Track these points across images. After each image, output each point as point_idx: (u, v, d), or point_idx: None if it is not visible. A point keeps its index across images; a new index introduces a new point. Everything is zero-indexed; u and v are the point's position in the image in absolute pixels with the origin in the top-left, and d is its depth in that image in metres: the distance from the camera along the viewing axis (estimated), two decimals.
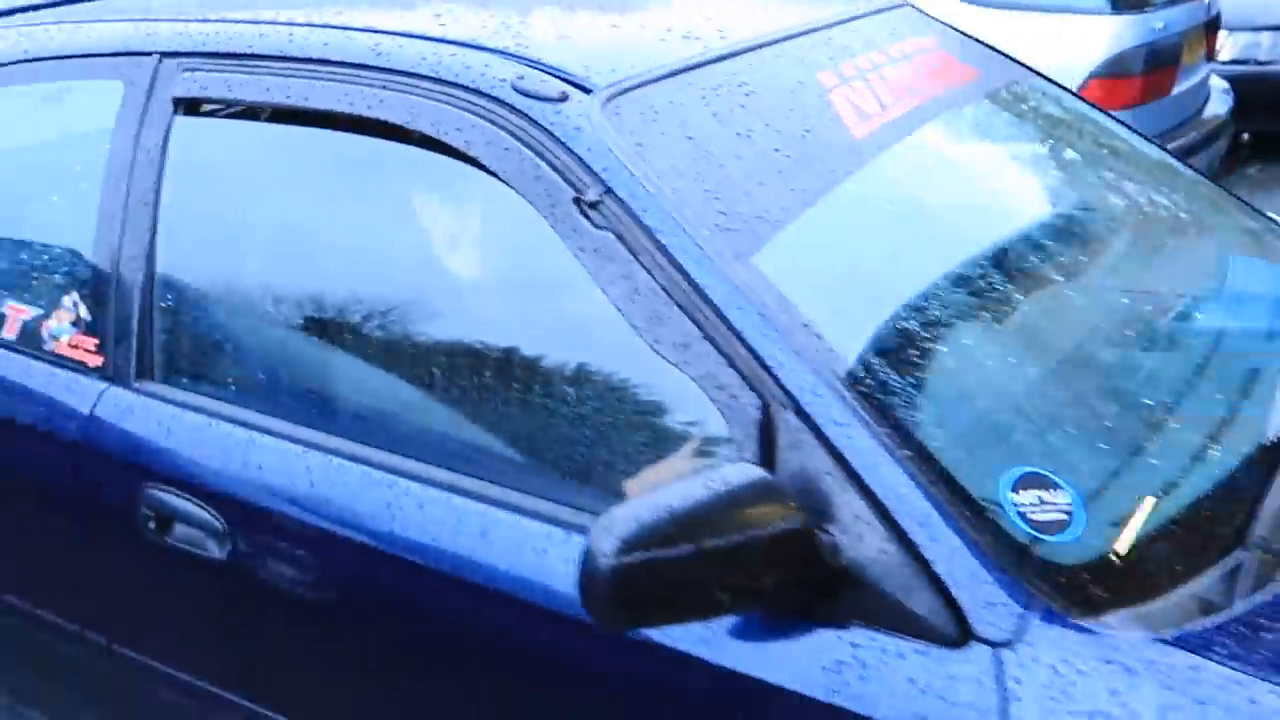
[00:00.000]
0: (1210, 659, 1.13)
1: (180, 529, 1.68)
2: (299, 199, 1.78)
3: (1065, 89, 2.27)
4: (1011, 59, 2.22)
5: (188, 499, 1.66)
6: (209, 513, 1.64)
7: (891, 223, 1.60)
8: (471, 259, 1.63)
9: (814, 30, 1.85)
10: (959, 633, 1.18)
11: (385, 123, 1.58)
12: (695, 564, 1.13)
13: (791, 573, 1.19)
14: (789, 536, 1.17)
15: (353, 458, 1.53)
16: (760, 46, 1.74)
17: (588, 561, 1.12)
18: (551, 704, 1.41)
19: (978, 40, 2.24)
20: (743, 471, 1.18)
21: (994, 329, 1.50)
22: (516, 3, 1.84)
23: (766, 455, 1.27)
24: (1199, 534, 1.28)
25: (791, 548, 1.18)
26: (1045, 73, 2.20)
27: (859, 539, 1.22)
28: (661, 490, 1.16)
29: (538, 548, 1.37)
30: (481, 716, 1.50)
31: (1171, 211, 1.96)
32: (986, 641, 1.17)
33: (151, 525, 1.70)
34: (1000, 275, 1.57)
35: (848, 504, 1.23)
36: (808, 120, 1.62)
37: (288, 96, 1.70)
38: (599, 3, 1.95)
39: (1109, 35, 4.36)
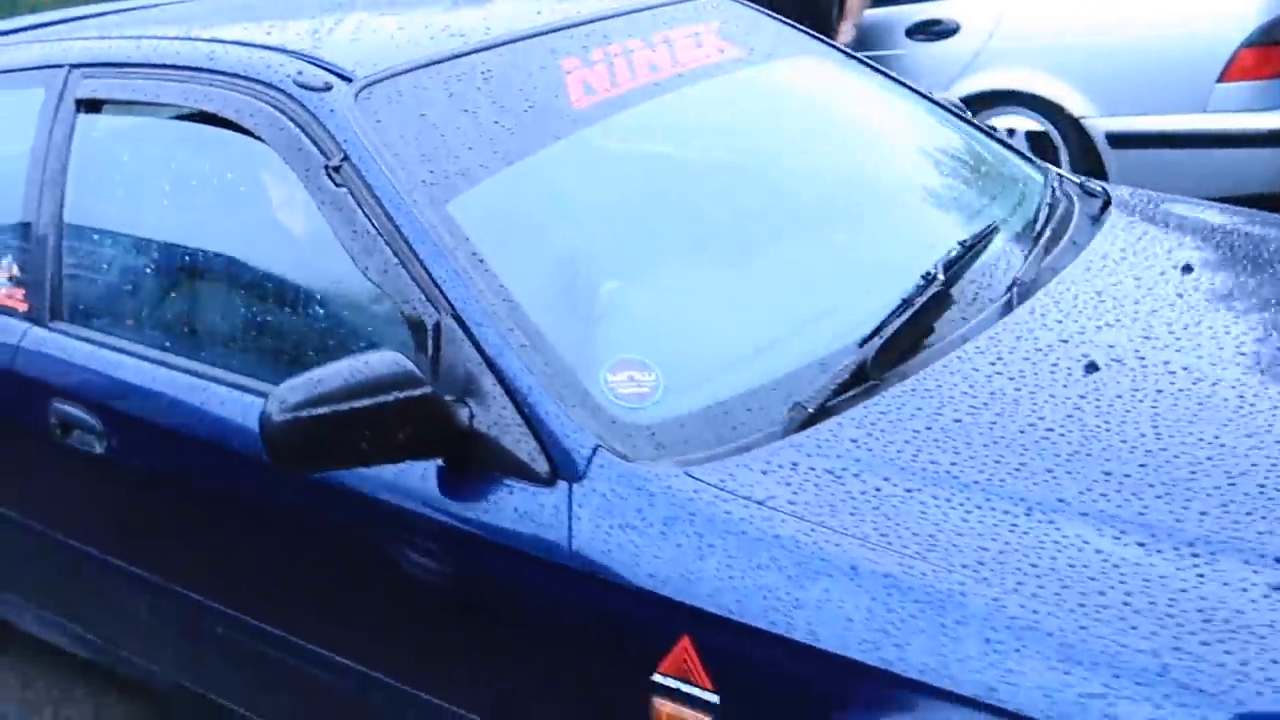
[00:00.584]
0: (711, 485, 1.52)
1: (76, 433, 2.18)
2: (164, 178, 2.26)
3: (870, 65, 2.64)
4: (820, 41, 2.61)
5: (80, 409, 2.17)
6: (93, 419, 2.14)
7: (579, 177, 2.01)
8: (263, 216, 2.09)
9: (585, 22, 2.25)
10: (550, 474, 1.60)
11: (213, 113, 2.05)
12: (341, 422, 1.57)
13: (421, 432, 1.61)
14: (416, 402, 1.59)
15: (180, 369, 2.02)
16: (520, 39, 2.15)
17: (261, 419, 1.57)
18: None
19: (797, 29, 2.62)
20: (384, 356, 1.61)
21: (565, 257, 1.89)
22: (337, 11, 2.30)
23: (435, 351, 1.70)
24: (749, 402, 1.67)
25: (420, 411, 1.60)
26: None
27: (488, 408, 1.64)
28: (324, 369, 1.60)
29: None
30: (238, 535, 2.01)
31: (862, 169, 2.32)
32: (565, 479, 1.58)
33: (58, 431, 2.21)
34: (652, 213, 1.98)
35: (484, 382, 1.65)
36: (534, 98, 2.03)
37: (156, 95, 2.19)
38: (398, 9, 2.39)
39: (1261, 2, 4.25)
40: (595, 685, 1.58)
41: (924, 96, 2.60)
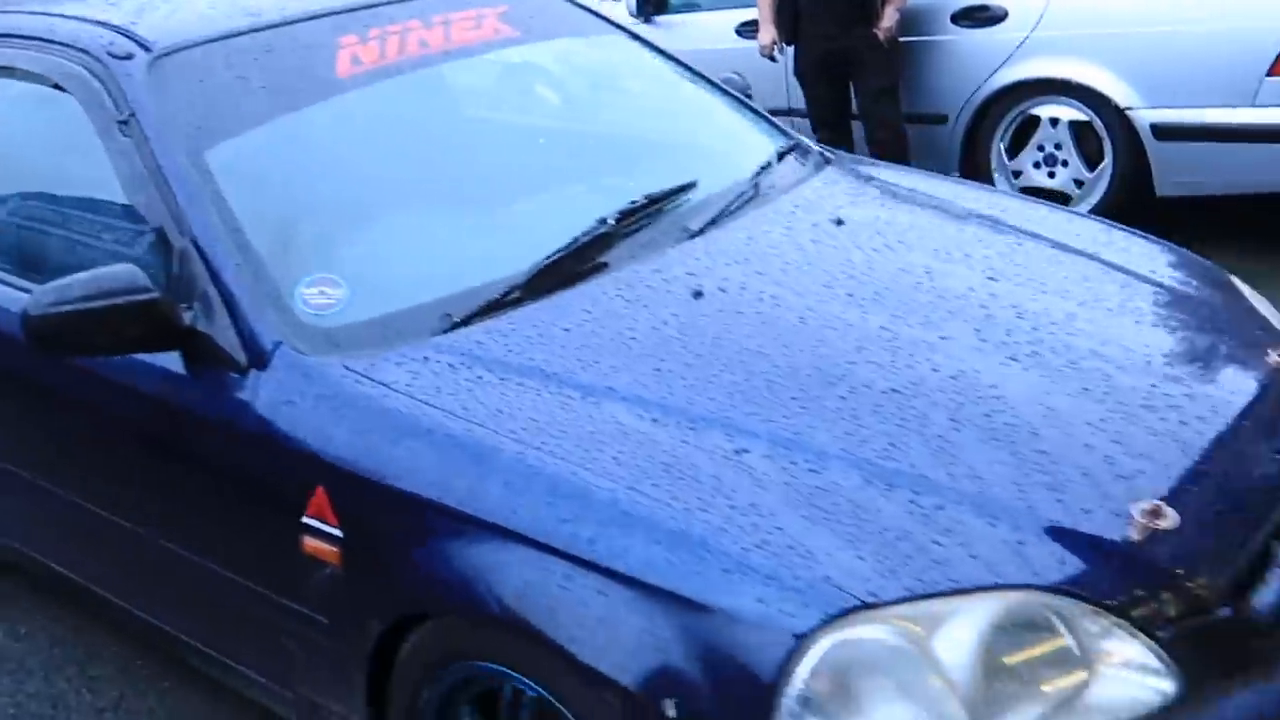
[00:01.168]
0: (354, 372, 1.96)
1: None
2: (14, 130, 2.73)
3: (657, 50, 3.06)
4: (618, 29, 3.04)
5: None
6: None
7: (325, 133, 2.44)
8: (63, 158, 2.55)
9: (373, 6, 2.69)
10: (246, 364, 2.05)
11: (47, 76, 2.51)
12: (83, 318, 2.02)
13: (151, 329, 2.06)
14: (145, 305, 2.04)
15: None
16: (306, 19, 2.59)
17: (21, 313, 2.04)
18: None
19: (604, 19, 3.06)
20: (122, 268, 2.07)
21: (296, 198, 2.33)
22: None
23: (177, 268, 2.15)
24: (414, 315, 2.10)
25: (149, 313, 2.05)
26: None
27: (210, 313, 2.09)
28: (75, 277, 2.06)
29: None
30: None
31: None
32: (255, 367, 2.04)
33: None
34: (369, 158, 2.42)
35: (209, 293, 2.10)
36: (304, 68, 2.48)
37: (13, 61, 2.65)
38: None
39: None
40: (272, 526, 2.03)
41: (689, 69, 3.01)
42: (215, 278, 2.11)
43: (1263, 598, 1.73)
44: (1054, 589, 1.59)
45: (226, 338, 2.07)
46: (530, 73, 2.83)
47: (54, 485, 2.52)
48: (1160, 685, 1.60)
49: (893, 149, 5.00)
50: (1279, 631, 1.72)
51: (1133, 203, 4.63)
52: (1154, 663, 1.60)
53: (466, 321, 2.08)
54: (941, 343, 2.04)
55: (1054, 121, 4.86)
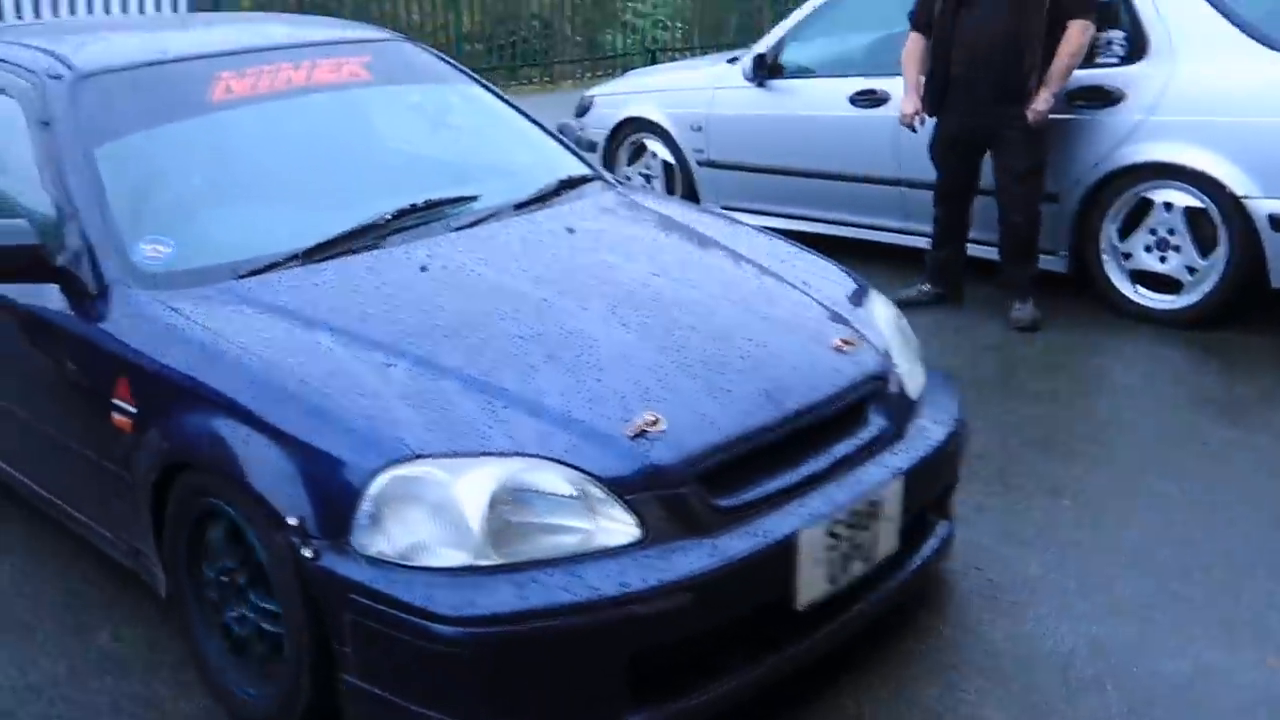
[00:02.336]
0: (161, 303, 2.80)
1: None
2: None
3: (492, 91, 3.91)
4: (470, 79, 3.90)
5: None
6: None
7: (191, 139, 3.30)
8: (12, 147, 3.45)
9: (257, 50, 3.57)
10: (95, 294, 2.90)
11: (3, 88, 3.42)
12: None
13: (31, 267, 2.91)
14: (27, 248, 2.90)
15: None
16: (199, 57, 3.48)
17: None
18: None
19: (462, 71, 3.92)
20: (15, 222, 2.94)
21: (156, 181, 3.19)
22: (107, 31, 3.67)
23: (62, 227, 3.01)
24: (219, 269, 2.93)
25: (29, 254, 2.90)
26: None
27: (78, 259, 2.94)
28: None
29: None
30: None
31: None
32: (100, 296, 2.88)
33: None
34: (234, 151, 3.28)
35: (78, 245, 2.96)
36: (187, 93, 3.35)
37: None
38: (144, 32, 3.76)
39: None
40: (94, 406, 2.86)
41: (526, 116, 3.85)
42: (82, 234, 2.97)
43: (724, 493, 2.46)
44: (559, 460, 2.35)
45: (84, 274, 2.93)
46: (362, 103, 3.67)
47: None
48: (632, 533, 2.34)
49: (1024, 234, 5.01)
50: (718, 511, 2.43)
51: (1247, 294, 4.80)
52: (630, 518, 2.35)
53: (250, 275, 2.91)
54: (579, 310, 2.81)
55: (1168, 206, 4.86)
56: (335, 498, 2.35)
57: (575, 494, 2.35)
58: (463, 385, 2.50)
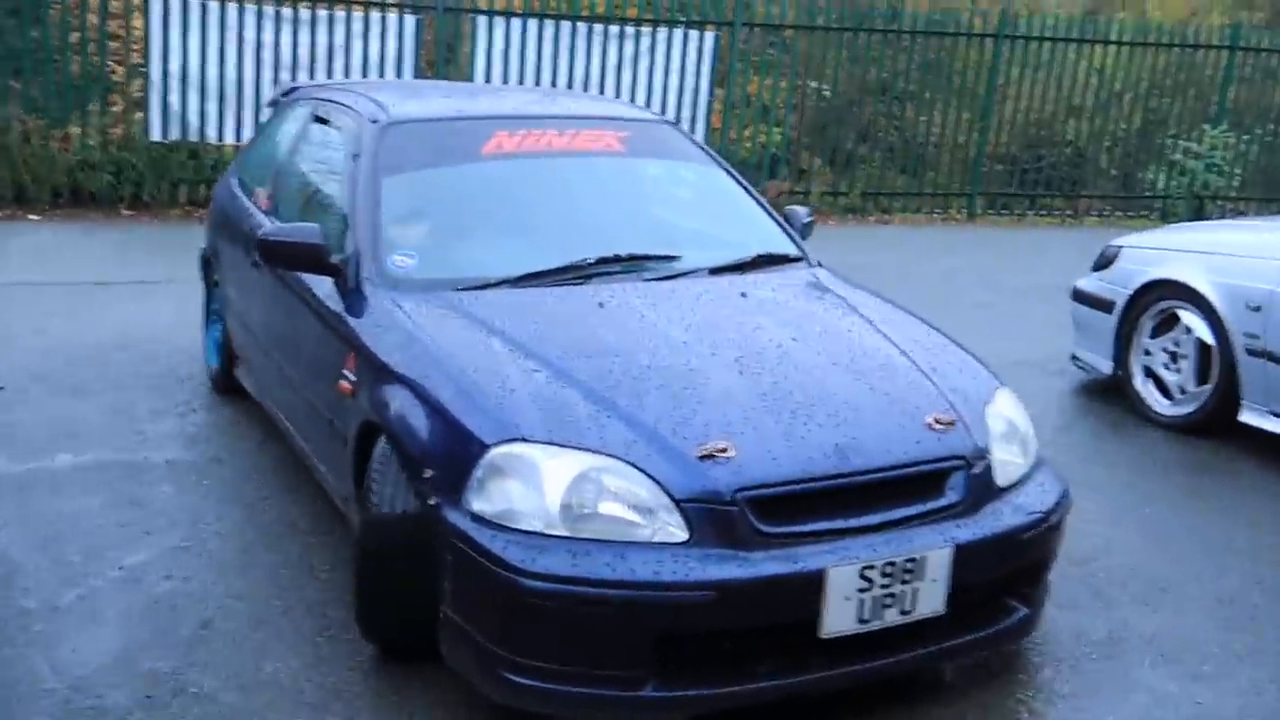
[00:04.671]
0: (397, 306, 3.55)
1: None
2: (313, 146, 4.61)
3: (711, 157, 4.50)
4: (694, 147, 4.52)
5: None
6: None
7: (464, 182, 4.06)
8: (333, 167, 4.35)
9: (533, 117, 4.33)
10: (355, 287, 3.70)
11: (337, 123, 4.36)
12: (282, 245, 3.76)
13: (315, 260, 3.75)
14: (316, 247, 3.74)
15: None
16: (484, 118, 4.28)
17: (258, 238, 3.81)
18: None
19: (693, 143, 4.55)
20: (308, 225, 3.79)
21: (422, 213, 3.93)
22: (428, 91, 4.55)
23: (344, 234, 3.85)
24: (446, 282, 3.64)
25: (317, 252, 3.75)
26: None
27: (348, 260, 3.76)
28: (297, 225, 3.80)
29: None
30: None
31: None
32: (359, 289, 3.67)
33: None
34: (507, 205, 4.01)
35: (353, 250, 3.78)
36: (465, 146, 4.13)
37: (328, 113, 4.55)
38: (458, 96, 4.60)
39: None
40: (333, 375, 3.62)
41: (746, 190, 4.39)
42: (356, 243, 3.78)
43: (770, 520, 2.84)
44: (629, 462, 2.83)
45: (350, 271, 3.73)
46: (614, 168, 4.32)
47: (271, 345, 4.33)
48: (680, 535, 2.79)
49: None
50: (760, 534, 2.80)
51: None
52: (681, 523, 2.80)
53: (465, 289, 3.60)
54: (708, 355, 3.29)
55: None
56: (457, 462, 2.95)
57: (642, 494, 2.82)
58: (583, 395, 3.04)
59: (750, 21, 11.60)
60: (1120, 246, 6.11)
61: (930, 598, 2.94)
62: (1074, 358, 6.29)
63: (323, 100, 4.75)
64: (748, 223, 4.36)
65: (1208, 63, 12.94)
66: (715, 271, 3.93)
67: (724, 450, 2.89)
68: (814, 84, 12.18)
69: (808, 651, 2.87)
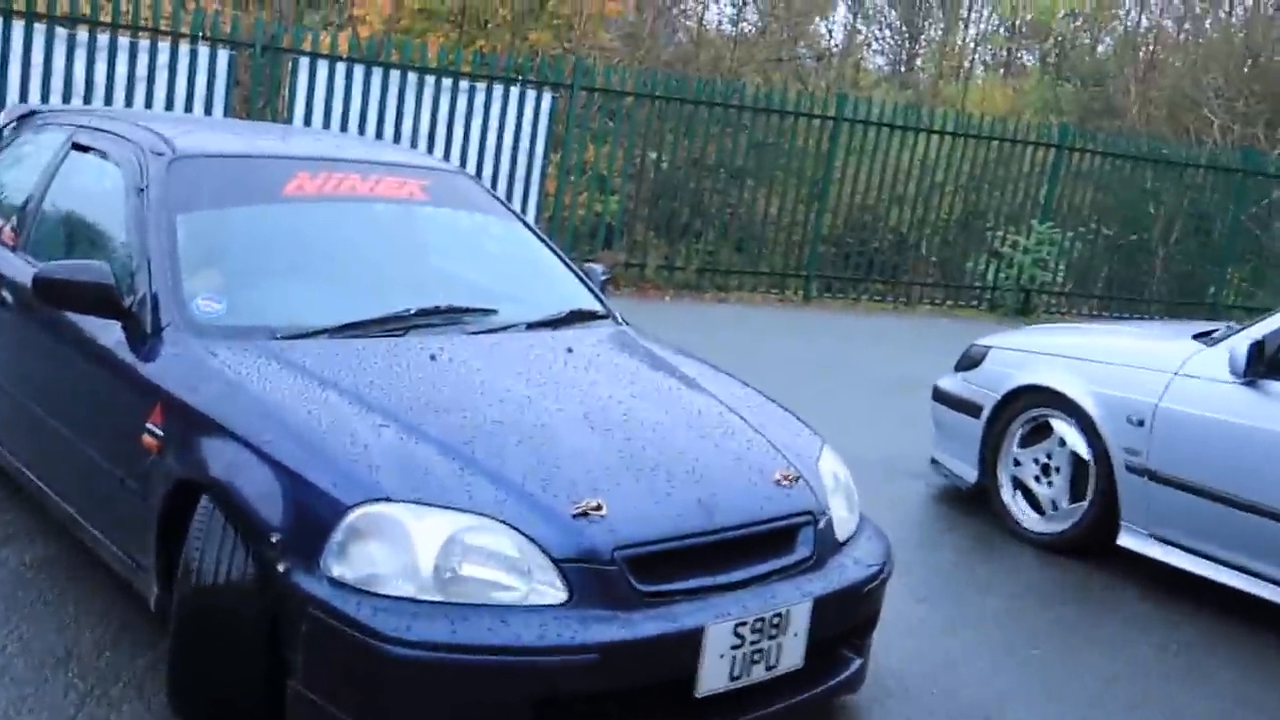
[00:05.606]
0: (206, 351, 3.26)
1: None
2: (84, 180, 4.21)
3: (514, 216, 4.44)
4: (492, 199, 4.43)
5: None
6: None
7: (261, 222, 3.82)
8: (108, 203, 3.98)
9: (336, 160, 4.12)
10: (151, 332, 3.36)
11: (114, 156, 3.98)
12: (66, 285, 3.37)
13: (103, 302, 3.39)
14: (104, 287, 3.38)
15: None
16: (286, 158, 4.03)
17: (34, 277, 3.41)
18: None
19: (490, 195, 4.46)
20: (95, 263, 3.43)
21: (224, 249, 3.68)
22: (217, 126, 4.26)
23: (135, 278, 3.50)
24: (257, 329, 3.39)
25: (105, 293, 3.38)
26: None
27: (143, 303, 3.43)
28: (77, 262, 3.43)
29: None
30: None
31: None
32: (154, 335, 3.35)
33: None
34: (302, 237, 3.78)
35: (145, 291, 3.44)
36: (265, 184, 3.88)
37: (102, 143, 4.16)
38: (256, 135, 4.34)
39: None
40: (130, 429, 3.28)
41: (555, 252, 4.35)
42: (150, 283, 3.45)
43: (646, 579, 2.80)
44: (503, 521, 2.72)
45: (145, 315, 3.40)
46: (411, 217, 4.20)
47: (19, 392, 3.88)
48: (559, 596, 2.69)
49: None
50: (639, 593, 2.76)
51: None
52: (560, 583, 2.70)
53: (284, 339, 3.36)
54: (555, 410, 3.21)
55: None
56: (311, 525, 2.73)
57: (516, 554, 2.71)
58: (440, 451, 2.90)
59: (589, 86, 11.18)
60: (989, 346, 5.63)
61: (792, 652, 2.98)
62: (934, 461, 5.79)
63: (83, 127, 4.33)
64: (552, 277, 4.32)
65: (1029, 159, 13.08)
66: (532, 326, 3.86)
67: (598, 508, 2.82)
68: (652, 155, 11.91)
69: (683, 712, 2.83)
